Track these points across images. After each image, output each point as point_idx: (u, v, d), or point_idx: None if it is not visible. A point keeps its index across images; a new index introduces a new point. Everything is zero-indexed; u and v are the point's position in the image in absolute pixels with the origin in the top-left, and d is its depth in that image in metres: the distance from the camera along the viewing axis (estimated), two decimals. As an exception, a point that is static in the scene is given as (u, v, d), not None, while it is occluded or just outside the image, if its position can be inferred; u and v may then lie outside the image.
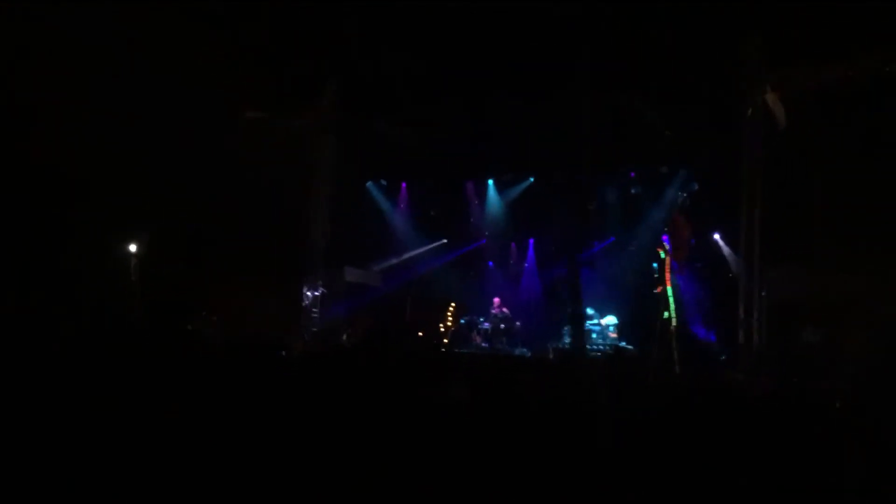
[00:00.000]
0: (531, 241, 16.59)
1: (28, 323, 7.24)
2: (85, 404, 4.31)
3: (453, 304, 15.67)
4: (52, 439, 3.86)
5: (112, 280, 11.03)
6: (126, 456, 3.79)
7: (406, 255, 16.49)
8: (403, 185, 16.57)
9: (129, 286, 11.32)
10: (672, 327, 11.05)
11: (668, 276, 11.47)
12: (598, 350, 14.07)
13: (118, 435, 3.97)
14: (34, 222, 10.20)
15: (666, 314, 11.19)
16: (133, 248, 11.65)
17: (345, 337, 13.91)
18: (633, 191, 15.22)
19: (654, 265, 14.55)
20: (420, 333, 15.24)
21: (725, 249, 13.72)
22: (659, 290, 11.45)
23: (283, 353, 9.18)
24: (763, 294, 11.07)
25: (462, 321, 15.43)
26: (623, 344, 14.14)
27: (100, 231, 10.98)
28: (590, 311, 14.80)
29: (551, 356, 14.12)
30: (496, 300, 15.44)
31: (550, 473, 3.92)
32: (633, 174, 15.06)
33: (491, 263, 16.93)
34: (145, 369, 5.24)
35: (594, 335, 14.48)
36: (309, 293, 14.20)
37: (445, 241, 16.72)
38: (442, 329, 15.52)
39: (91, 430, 4.01)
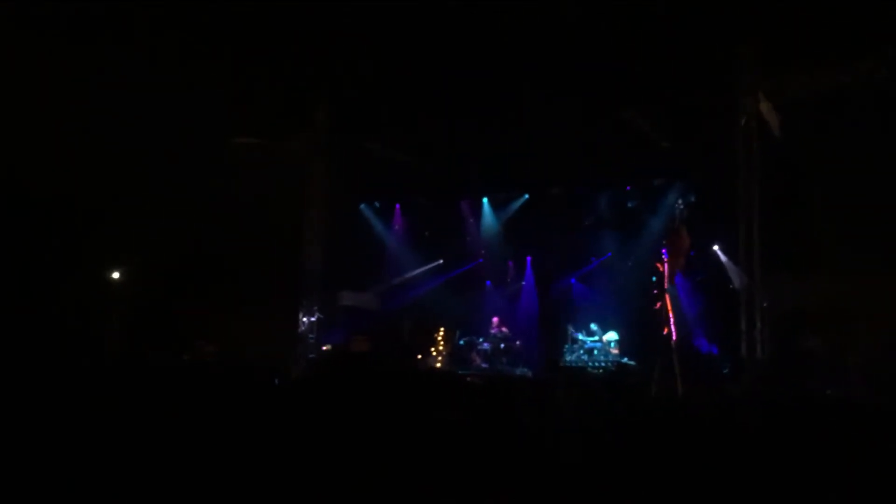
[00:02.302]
0: (528, 258, 16.44)
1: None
2: (63, 432, 4.15)
3: (443, 329, 15.50)
4: (26, 470, 3.68)
5: (90, 308, 10.84)
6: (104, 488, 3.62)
7: (402, 277, 16.35)
8: (397, 206, 16.46)
9: (107, 314, 11.15)
10: (672, 342, 10.89)
11: (666, 288, 11.32)
12: (601, 367, 13.90)
13: (95, 466, 3.80)
14: (10, 247, 9.97)
15: (665, 330, 11.03)
16: (115, 275, 11.51)
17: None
18: (629, 204, 15.11)
19: (654, 279, 14.47)
20: (419, 356, 15.07)
21: (725, 260, 13.59)
22: (658, 305, 11.30)
23: (277, 381, 9.00)
24: (765, 305, 10.93)
25: (461, 342, 15.26)
26: (625, 360, 13.98)
27: (80, 258, 10.82)
28: (593, 326, 14.66)
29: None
30: (495, 319, 15.29)
31: (551, 489, 3.78)
32: (629, 188, 14.95)
33: (489, 283, 16.77)
34: (118, 399, 5.08)
35: (596, 352, 14.33)
36: (305, 319, 14.02)
37: (441, 261, 16.58)
38: (434, 353, 15.36)
39: (69, 461, 3.84)
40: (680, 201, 13.75)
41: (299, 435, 4.78)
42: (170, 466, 4.00)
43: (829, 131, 10.69)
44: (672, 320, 11.02)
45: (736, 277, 12.14)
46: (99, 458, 3.96)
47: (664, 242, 13.96)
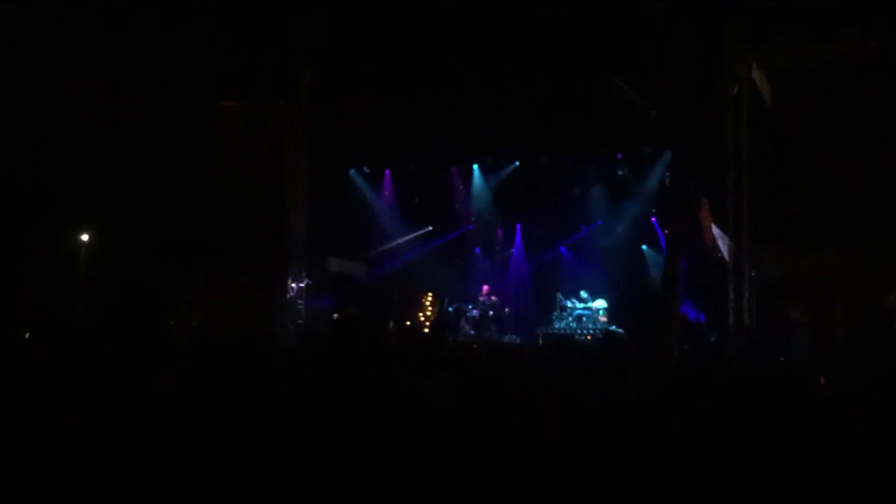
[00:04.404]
0: (518, 226, 16.42)
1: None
2: (36, 406, 4.10)
3: (430, 294, 15.51)
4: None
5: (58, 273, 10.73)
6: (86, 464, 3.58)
7: (391, 244, 16.29)
8: (387, 172, 16.33)
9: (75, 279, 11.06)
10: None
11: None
12: (589, 334, 13.99)
13: (75, 441, 3.76)
14: None
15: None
16: (84, 237, 11.40)
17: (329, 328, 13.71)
18: (619, 172, 15.07)
19: (644, 247, 14.55)
20: (407, 322, 15.09)
21: (714, 229, 13.61)
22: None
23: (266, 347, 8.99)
24: (752, 274, 11.00)
25: (450, 309, 15.28)
26: (613, 328, 14.06)
27: (57, 225, 10.68)
28: (583, 294, 14.70)
29: (541, 341, 14.05)
30: (485, 287, 15.30)
31: (553, 462, 3.78)
32: (619, 155, 14.89)
33: (478, 250, 16.76)
34: (94, 367, 5.02)
35: (584, 319, 14.39)
36: (293, 285, 13.98)
37: (431, 228, 16.52)
38: (422, 318, 15.39)
39: (48, 435, 3.80)
40: (668, 174, 13.85)
41: (289, 407, 4.75)
42: (159, 442, 3.96)
43: (820, 101, 10.65)
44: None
45: (724, 247, 12.18)
46: (83, 435, 3.92)
47: (653, 211, 14.06)
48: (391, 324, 13.66)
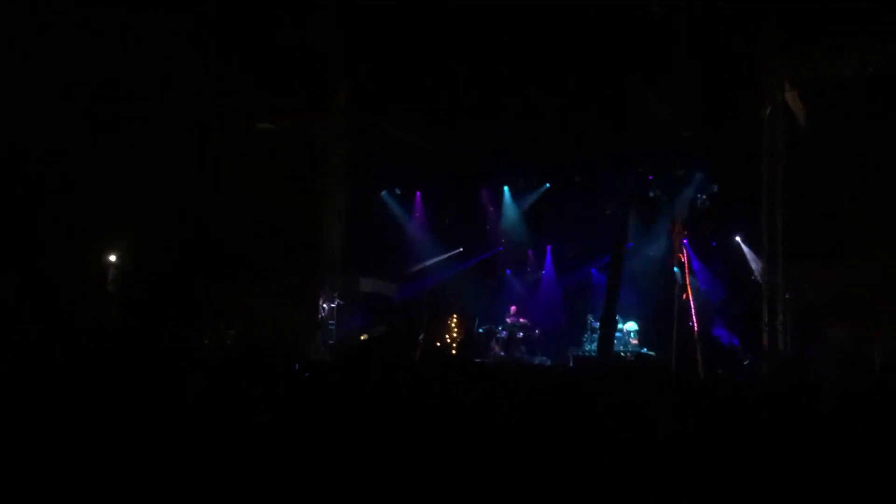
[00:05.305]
0: (549, 247, 16.40)
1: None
2: (62, 415, 4.17)
3: (456, 316, 15.50)
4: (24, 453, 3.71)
5: (86, 289, 10.86)
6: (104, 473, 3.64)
7: (422, 265, 16.35)
8: (418, 193, 16.44)
9: (104, 296, 11.19)
10: (695, 333, 10.82)
11: (688, 280, 11.25)
12: (620, 357, 13.84)
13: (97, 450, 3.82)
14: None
15: (689, 323, 10.97)
16: (112, 258, 11.57)
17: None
18: (651, 194, 14.99)
19: (676, 269, 14.37)
20: (437, 343, 15.08)
21: (747, 252, 13.47)
22: (685, 296, 11.22)
23: (298, 366, 9.04)
24: (787, 296, 10.84)
25: (479, 330, 15.27)
26: (644, 350, 13.92)
27: (92, 239, 10.83)
28: (613, 316, 14.58)
29: (571, 364, 13.94)
30: (512, 308, 15.27)
31: (576, 477, 3.76)
32: (651, 177, 14.82)
33: (508, 271, 16.75)
34: (121, 380, 5.10)
35: (615, 341, 14.26)
36: (325, 305, 14.06)
37: (461, 249, 16.57)
38: (448, 340, 15.37)
39: (69, 444, 3.86)
40: (702, 196, 13.75)
41: (317, 421, 4.79)
42: (188, 451, 4.01)
43: (855, 119, 10.53)
44: (693, 312, 10.97)
45: (758, 268, 12.04)
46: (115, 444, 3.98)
47: (684, 233, 13.92)
48: (421, 337, 13.64)
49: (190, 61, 10.01)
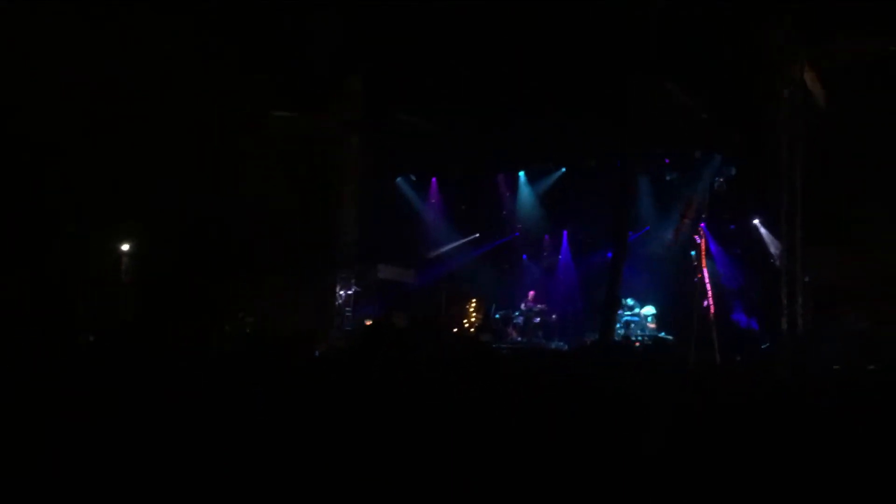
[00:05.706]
0: (565, 232, 16.36)
1: (9, 325, 7.09)
2: (77, 408, 4.23)
3: (475, 300, 15.53)
4: (39, 446, 3.77)
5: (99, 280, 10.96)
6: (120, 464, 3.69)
7: (439, 251, 16.37)
8: (434, 179, 16.44)
9: (118, 288, 11.29)
10: (711, 316, 10.78)
11: (704, 262, 11.19)
12: (638, 341, 13.82)
13: (112, 442, 3.87)
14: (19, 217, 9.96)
15: (705, 303, 10.93)
16: (125, 247, 11.67)
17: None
18: (667, 178, 14.89)
19: (692, 253, 14.28)
20: (455, 329, 15.12)
21: (765, 234, 13.36)
22: (699, 277, 11.18)
23: (317, 353, 9.14)
24: (806, 280, 10.75)
25: (496, 315, 15.30)
26: (662, 334, 13.88)
27: (98, 230, 10.91)
28: (629, 301, 14.54)
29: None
30: (531, 294, 15.27)
31: (593, 465, 3.78)
32: (667, 160, 14.72)
33: (525, 256, 16.75)
34: (139, 371, 5.16)
35: (633, 326, 14.23)
36: (342, 292, 14.14)
37: (478, 235, 16.58)
38: (466, 324, 15.40)
39: (84, 437, 3.92)
40: (720, 179, 13.64)
41: (337, 407, 4.82)
42: (206, 437, 4.06)
43: (875, 101, 10.39)
44: (710, 294, 10.92)
45: (776, 251, 11.94)
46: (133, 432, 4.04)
47: (703, 216, 13.82)
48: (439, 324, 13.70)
49: (207, 51, 10.04)
